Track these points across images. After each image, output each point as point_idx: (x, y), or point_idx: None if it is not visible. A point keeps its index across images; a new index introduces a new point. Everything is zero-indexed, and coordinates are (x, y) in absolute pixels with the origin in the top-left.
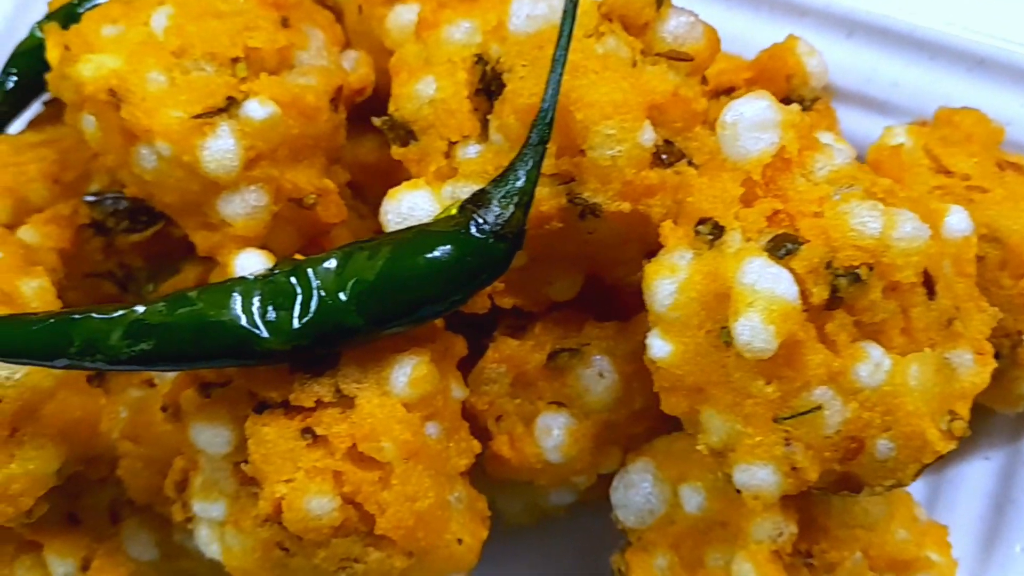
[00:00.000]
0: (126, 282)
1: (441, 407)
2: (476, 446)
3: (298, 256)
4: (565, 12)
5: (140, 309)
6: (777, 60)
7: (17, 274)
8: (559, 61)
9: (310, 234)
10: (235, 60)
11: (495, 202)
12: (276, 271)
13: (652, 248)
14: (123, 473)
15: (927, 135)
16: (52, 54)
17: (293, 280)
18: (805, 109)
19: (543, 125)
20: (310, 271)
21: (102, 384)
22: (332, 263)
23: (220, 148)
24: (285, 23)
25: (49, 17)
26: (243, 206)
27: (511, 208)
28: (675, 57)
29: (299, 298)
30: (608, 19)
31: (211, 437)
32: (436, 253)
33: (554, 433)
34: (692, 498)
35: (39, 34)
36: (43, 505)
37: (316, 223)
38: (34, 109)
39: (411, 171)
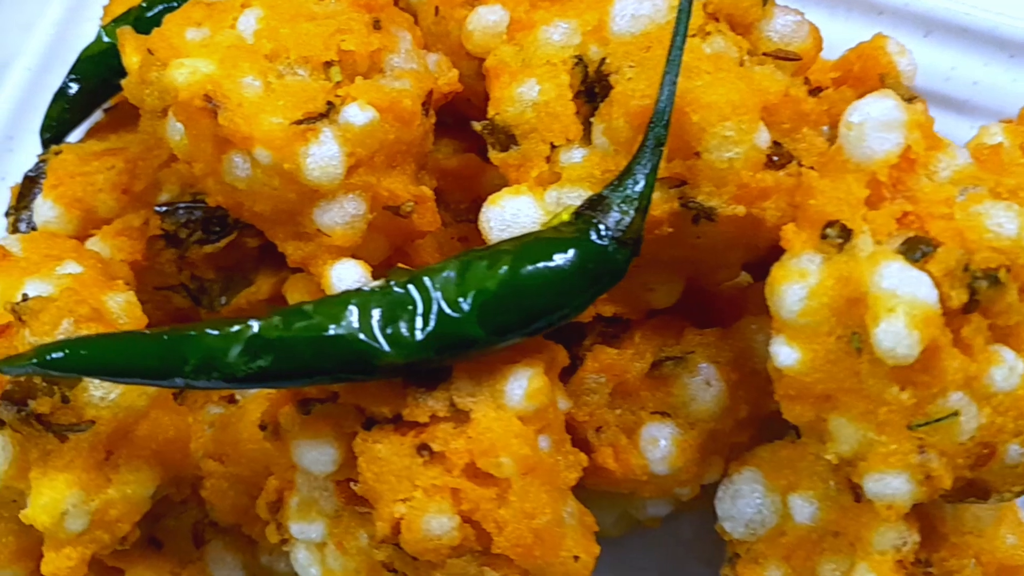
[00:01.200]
0: (199, 295)
1: (552, 419)
2: (583, 459)
3: (401, 266)
4: (680, 11)
5: (256, 324)
6: (868, 60)
7: (101, 288)
8: (675, 61)
9: (399, 242)
10: (328, 64)
11: (615, 207)
12: (392, 282)
13: (757, 251)
14: (208, 494)
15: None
16: (130, 59)
17: (413, 291)
18: None
19: (660, 127)
20: (428, 281)
21: (183, 402)
22: (451, 273)
23: (324, 155)
24: (376, 25)
25: (116, 22)
26: (341, 215)
27: (631, 213)
28: (782, 57)
29: (419, 310)
30: (715, 18)
31: (316, 456)
32: (558, 261)
33: (661, 444)
34: (803, 508)
35: (106, 38)
36: (136, 531)
37: (408, 231)
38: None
39: (509, 176)
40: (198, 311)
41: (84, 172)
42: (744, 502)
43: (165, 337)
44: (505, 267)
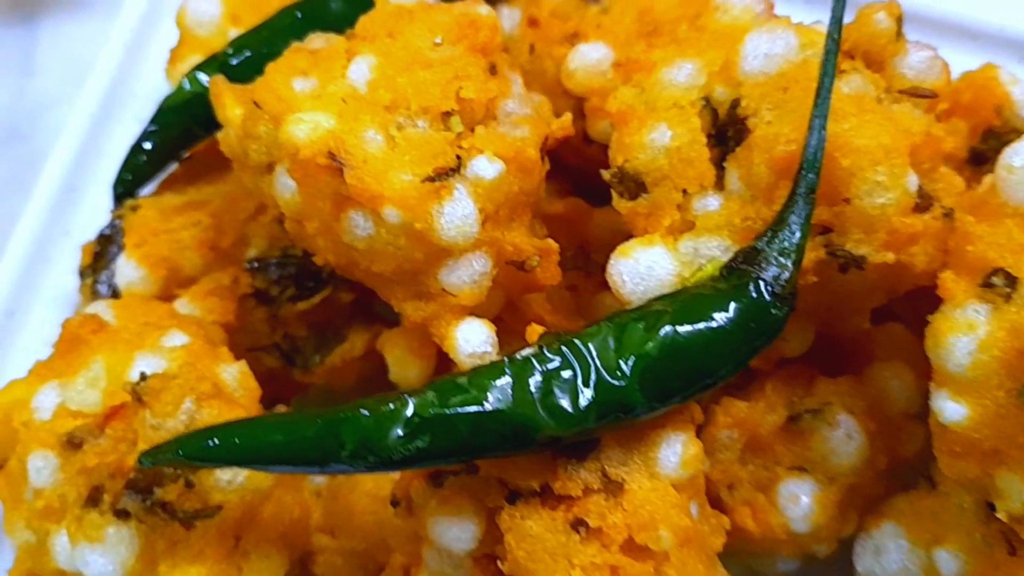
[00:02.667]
0: (292, 354)
1: (701, 485)
2: (726, 521)
3: (536, 328)
4: (827, 52)
5: (412, 402)
6: (980, 90)
7: (213, 360)
8: (823, 105)
9: (514, 295)
10: (447, 114)
11: (772, 261)
12: (545, 349)
13: (894, 296)
14: (321, 570)
15: None
16: (231, 112)
17: (569, 357)
18: None
19: (812, 174)
20: (583, 346)
21: None
22: (608, 337)
23: (460, 213)
24: (493, 70)
25: (200, 69)
26: (469, 274)
27: (789, 266)
28: (918, 94)
29: (578, 378)
30: (850, 56)
31: (455, 532)
32: (718, 320)
33: (802, 501)
34: (950, 562)
35: (188, 87)
36: None
37: (527, 285)
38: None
39: (637, 225)
40: (290, 371)
41: (168, 229)
42: (888, 558)
43: (319, 421)
44: (664, 329)
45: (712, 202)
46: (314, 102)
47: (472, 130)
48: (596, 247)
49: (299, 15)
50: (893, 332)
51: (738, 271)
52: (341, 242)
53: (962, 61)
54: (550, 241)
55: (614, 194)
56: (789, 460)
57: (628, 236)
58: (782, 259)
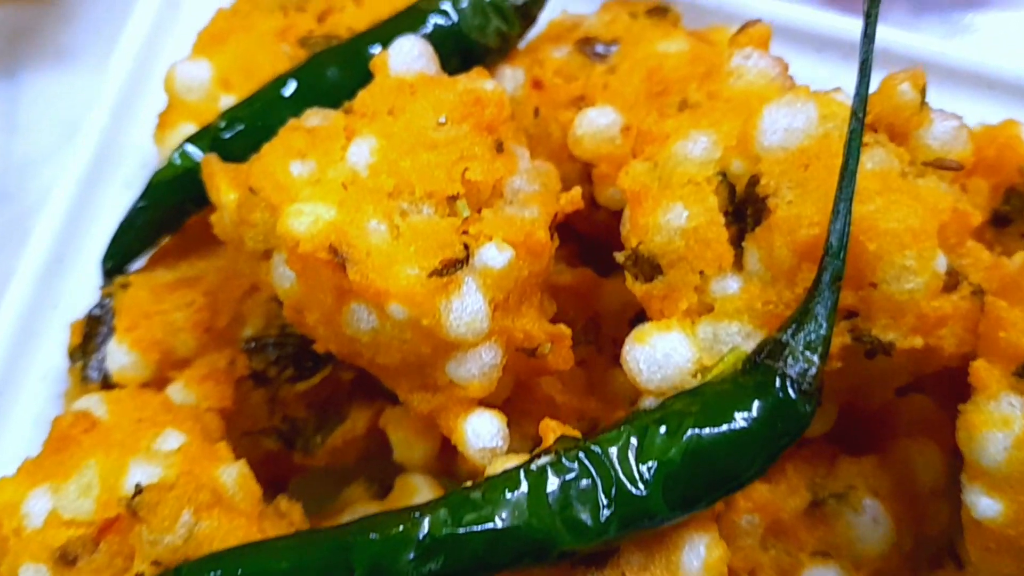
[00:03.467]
0: (292, 437)
1: None
2: None
3: (550, 424)
4: (851, 132)
5: (424, 522)
6: (1003, 149)
7: (210, 460)
8: (847, 188)
9: (524, 378)
10: (453, 197)
11: (799, 355)
12: (563, 456)
13: (921, 375)
14: None
15: None
16: (225, 196)
17: (587, 464)
18: None
19: (838, 261)
20: (602, 452)
21: None
22: (628, 442)
23: (469, 308)
24: (499, 148)
25: (192, 142)
26: (478, 366)
27: (816, 361)
28: (944, 166)
29: (598, 487)
30: (873, 129)
31: None
32: (742, 421)
33: None
34: None
35: (179, 161)
36: None
37: (537, 369)
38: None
39: (652, 307)
40: (290, 453)
41: (160, 310)
42: None
43: (326, 545)
44: (688, 432)
45: (731, 284)
46: (313, 188)
47: (479, 211)
48: (607, 320)
49: (294, 85)
50: (917, 404)
51: (762, 366)
52: (343, 333)
53: (978, 111)
54: (562, 327)
55: (628, 275)
56: (812, 545)
57: (640, 309)
58: (808, 353)
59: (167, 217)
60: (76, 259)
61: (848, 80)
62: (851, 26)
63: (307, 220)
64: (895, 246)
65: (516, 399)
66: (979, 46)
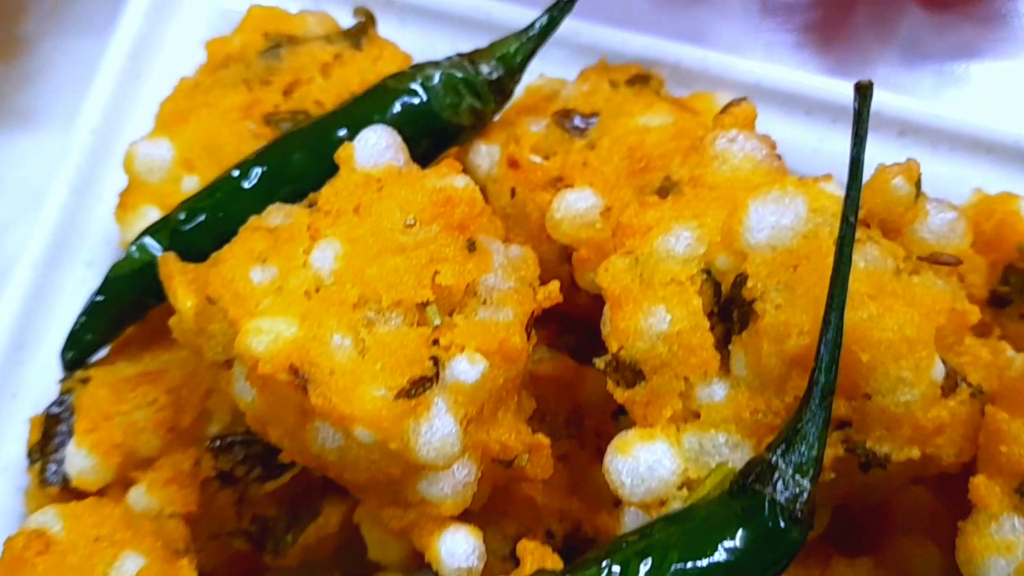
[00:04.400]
0: (261, 537)
1: None
2: None
3: (528, 546)
4: (842, 238)
5: None
6: (1002, 225)
7: None
8: (839, 297)
9: (501, 484)
10: (423, 304)
11: (789, 480)
12: None
13: (916, 478)
14: None
15: None
16: (182, 302)
17: None
18: None
19: (830, 377)
20: None
21: None
22: (611, 571)
23: (439, 432)
24: (472, 247)
25: (150, 234)
26: (451, 484)
27: (807, 485)
28: (940, 261)
29: None
30: (866, 224)
31: None
32: (729, 554)
33: None
34: None
35: (137, 255)
36: None
37: (514, 477)
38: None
39: (635, 414)
40: (262, 556)
41: (121, 410)
42: None
43: None
44: (672, 567)
45: (717, 391)
46: (274, 299)
47: (451, 314)
48: (590, 412)
49: (257, 172)
50: (913, 498)
51: (750, 490)
52: (308, 449)
53: (976, 176)
54: (540, 436)
55: (609, 381)
56: None
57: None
58: (798, 477)
59: (127, 311)
60: (37, 345)
61: (836, 142)
62: (840, 88)
63: (266, 339)
64: (890, 357)
65: (495, 500)
66: (975, 102)
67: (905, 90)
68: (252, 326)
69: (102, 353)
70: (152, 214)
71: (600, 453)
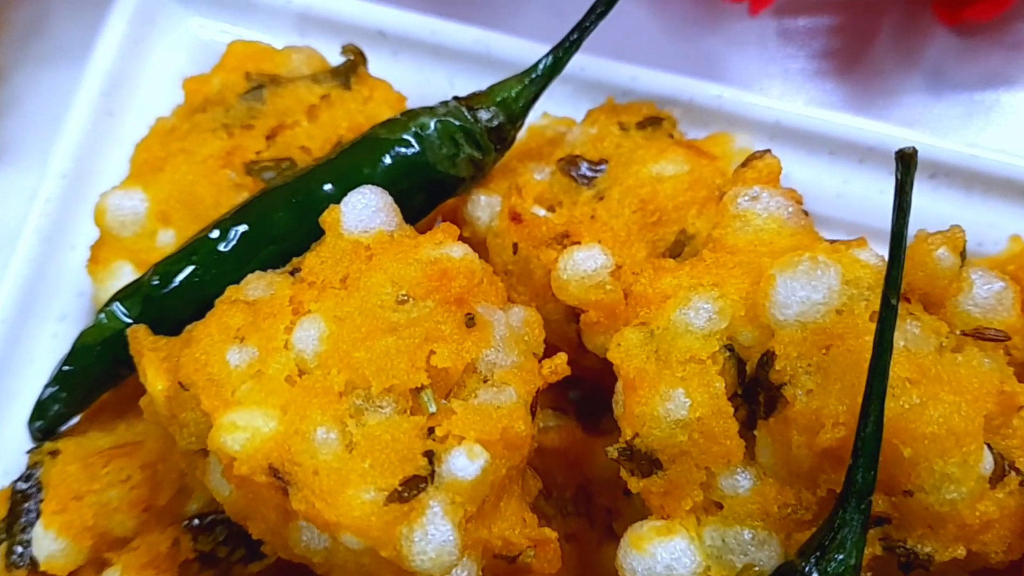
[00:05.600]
0: None
1: None
2: None
3: None
4: (882, 322)
5: None
6: None
7: None
8: (878, 385)
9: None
10: (417, 389)
11: None
12: None
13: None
14: None
15: None
16: (153, 385)
17: None
18: None
19: (868, 478)
20: None
21: None
22: None
23: (435, 540)
24: (470, 322)
25: (120, 299)
26: None
27: None
28: (987, 337)
29: None
30: (906, 299)
31: None
32: None
33: None
34: None
35: (106, 321)
36: None
37: (517, 572)
38: None
39: (652, 504)
40: None
41: (93, 489)
42: None
43: None
44: None
45: (743, 481)
46: (252, 387)
47: (448, 398)
48: (600, 487)
49: (236, 232)
50: None
51: None
52: (292, 548)
53: (1012, 222)
54: (546, 531)
55: (623, 470)
56: None
57: None
58: None
59: (98, 380)
60: (8, 408)
61: (862, 184)
62: (865, 126)
63: (242, 436)
64: (935, 452)
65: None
66: (1006, 133)
67: (931, 121)
68: (227, 421)
69: (75, 419)
70: (126, 271)
71: (611, 532)
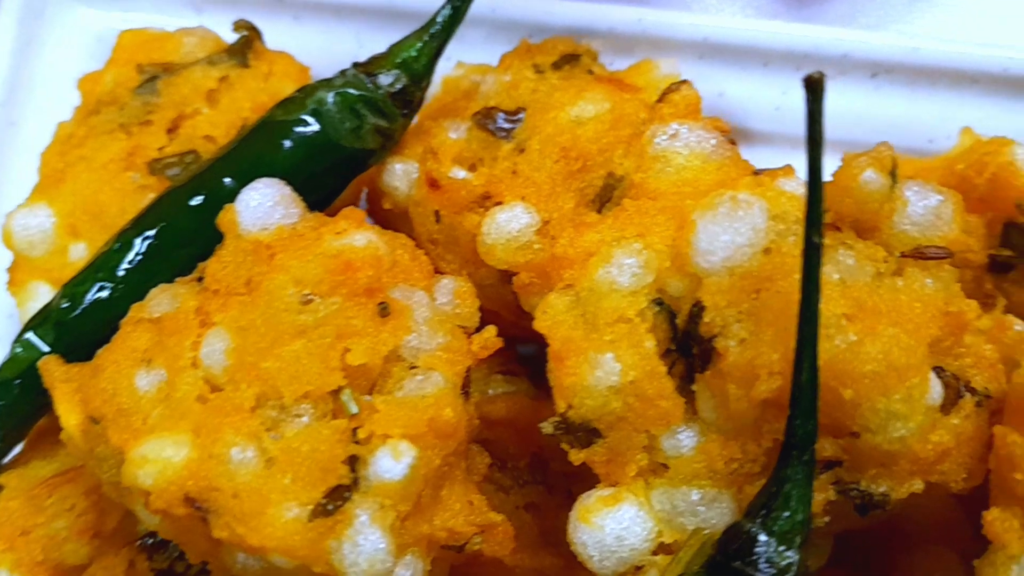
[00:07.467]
0: None
1: None
2: None
3: None
4: (807, 261)
5: None
6: (996, 180)
7: None
8: (810, 328)
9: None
10: (336, 391)
11: (771, 553)
12: None
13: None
14: None
15: None
16: (67, 418)
17: None
18: None
19: (807, 428)
20: None
21: None
22: None
23: (366, 550)
24: (384, 311)
25: (32, 328)
26: None
27: (792, 556)
28: (927, 256)
29: None
30: (835, 227)
31: None
32: None
33: None
34: None
35: (21, 351)
36: None
37: (473, 559)
38: None
39: (598, 472)
40: None
41: (39, 523)
42: None
43: None
44: None
45: (685, 440)
46: (163, 410)
47: (371, 393)
48: (554, 452)
49: (142, 241)
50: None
51: (730, 569)
52: (231, 571)
53: (962, 113)
54: (492, 515)
55: (563, 444)
56: None
57: None
58: (783, 548)
59: (28, 411)
60: None
61: (801, 93)
62: (795, 32)
63: (153, 469)
64: (876, 391)
65: (458, 571)
66: (952, 23)
67: (874, 11)
68: (137, 455)
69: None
70: (43, 291)
71: (570, 496)
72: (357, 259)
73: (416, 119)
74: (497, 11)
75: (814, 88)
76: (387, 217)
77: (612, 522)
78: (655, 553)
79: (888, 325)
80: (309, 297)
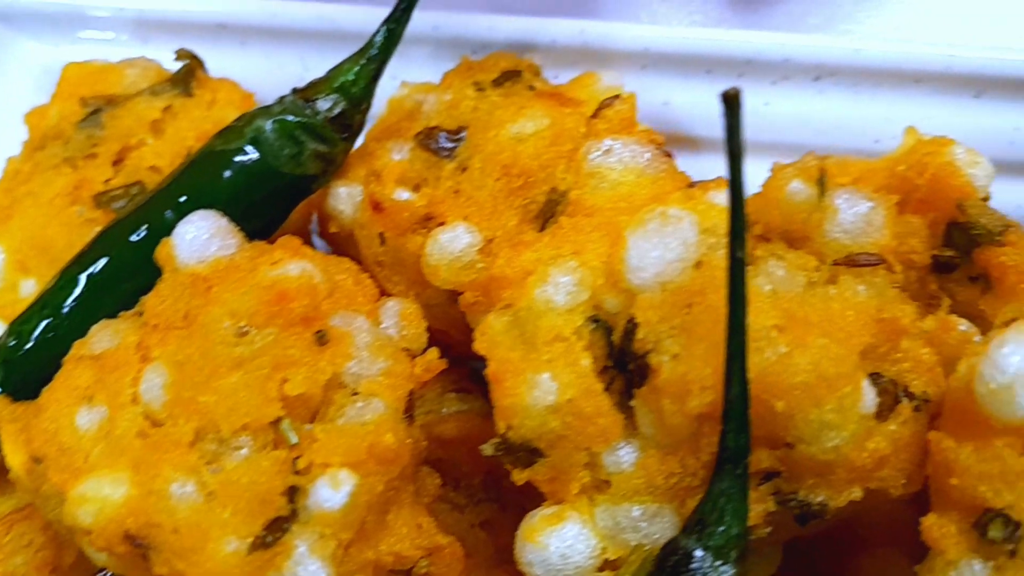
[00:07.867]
0: None
1: None
2: None
3: None
4: (732, 275)
5: None
6: (937, 181)
7: None
8: (737, 341)
9: None
10: (275, 422)
11: (708, 568)
12: None
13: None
14: None
15: None
16: (12, 457)
17: None
18: (994, 243)
19: (740, 441)
20: None
21: None
22: None
23: None
24: (322, 339)
25: None
26: None
27: (730, 570)
28: (859, 263)
29: None
30: (766, 239)
31: None
32: None
33: None
34: None
35: None
36: None
37: None
38: None
39: (543, 491)
40: None
41: None
42: None
43: None
44: None
45: (625, 456)
46: (103, 447)
47: (312, 422)
48: (507, 471)
49: (85, 277)
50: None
51: None
52: None
53: (906, 113)
54: (439, 538)
55: (504, 463)
56: None
57: None
58: (719, 563)
59: None
60: None
61: (746, 99)
62: (736, 38)
63: (93, 508)
64: (808, 402)
65: None
66: (897, 24)
67: (820, 18)
68: (77, 495)
69: None
70: None
71: (525, 513)
72: (291, 289)
73: (363, 140)
74: (440, 29)
75: (730, 103)
76: (335, 240)
77: (556, 540)
78: (600, 570)
79: (819, 335)
80: (245, 329)
